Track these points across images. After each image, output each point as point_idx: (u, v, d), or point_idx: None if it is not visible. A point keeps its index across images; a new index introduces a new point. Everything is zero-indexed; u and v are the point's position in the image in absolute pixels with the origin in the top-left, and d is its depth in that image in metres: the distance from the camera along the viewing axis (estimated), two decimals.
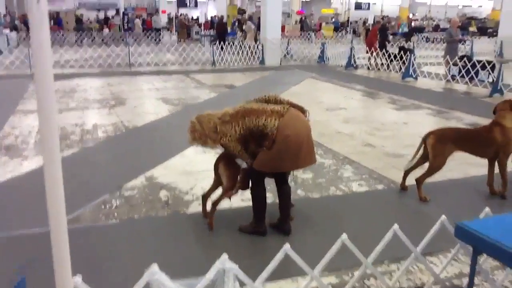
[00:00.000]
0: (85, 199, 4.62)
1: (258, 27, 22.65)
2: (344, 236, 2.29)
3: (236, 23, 27.06)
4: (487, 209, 2.76)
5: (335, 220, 4.20)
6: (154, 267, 1.92)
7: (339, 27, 36.28)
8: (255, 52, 17.21)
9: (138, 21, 29.70)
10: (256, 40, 19.44)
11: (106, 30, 28.03)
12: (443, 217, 2.57)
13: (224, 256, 2.03)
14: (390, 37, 19.66)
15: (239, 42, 18.70)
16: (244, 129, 3.70)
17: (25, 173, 5.43)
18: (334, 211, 4.42)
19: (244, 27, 21.02)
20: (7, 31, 23.46)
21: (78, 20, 28.99)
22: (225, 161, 3.98)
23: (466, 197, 4.79)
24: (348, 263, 3.25)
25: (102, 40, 25.64)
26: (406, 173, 4.93)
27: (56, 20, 29.43)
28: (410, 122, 8.15)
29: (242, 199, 4.67)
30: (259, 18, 25.42)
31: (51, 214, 1.58)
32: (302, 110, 3.97)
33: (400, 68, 14.60)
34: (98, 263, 3.46)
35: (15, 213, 4.34)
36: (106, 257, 3.54)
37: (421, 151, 4.84)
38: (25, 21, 27.60)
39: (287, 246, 2.15)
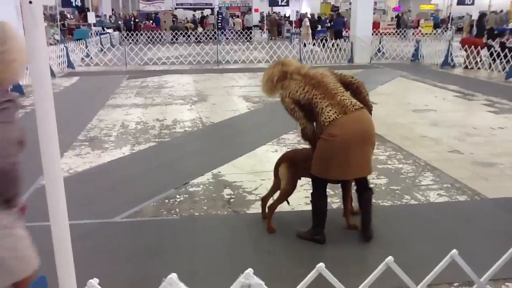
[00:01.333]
0: (152, 193, 4.69)
1: (343, 25, 22.19)
2: (390, 259, 1.99)
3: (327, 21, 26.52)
4: None
5: (402, 233, 3.82)
6: (173, 277, 1.79)
7: (439, 23, 34.11)
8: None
9: (238, 20, 30.32)
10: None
11: (200, 29, 29.00)
12: None
13: (249, 271, 1.85)
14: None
15: (328, 40, 18.27)
16: (305, 98, 3.45)
17: (99, 165, 5.65)
18: (404, 222, 4.03)
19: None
20: (110, 30, 25.18)
21: (174, 20, 30.34)
22: (287, 164, 3.79)
23: None
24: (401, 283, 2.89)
25: (196, 38, 26.55)
26: None
27: (155, 20, 31.06)
28: (508, 127, 7.31)
29: (306, 202, 4.45)
30: (331, 15, 24.85)
31: (51, 213, 1.51)
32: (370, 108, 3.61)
33: (504, 68, 13.31)
34: (147, 256, 3.45)
35: (78, 204, 4.50)
36: (154, 252, 3.52)
37: None
38: (125, 21, 29.44)
39: (321, 266, 1.91)
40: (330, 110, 3.33)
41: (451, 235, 3.77)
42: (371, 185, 4.66)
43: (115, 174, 5.35)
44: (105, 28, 25.41)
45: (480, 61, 14.44)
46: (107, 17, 31.40)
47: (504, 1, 40.19)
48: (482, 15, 16.58)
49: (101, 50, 19.05)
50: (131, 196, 4.65)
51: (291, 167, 3.77)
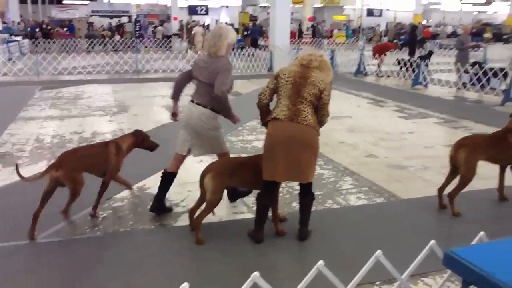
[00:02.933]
0: (73, 210, 4.45)
1: (259, 34, 22.74)
2: (321, 263, 2.09)
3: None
4: (482, 233, 2.53)
5: (328, 236, 4.00)
6: None
7: (351, 33, 36.02)
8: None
9: (161, 28, 29.71)
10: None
11: (117, 37, 28.15)
12: (432, 242, 2.36)
13: (185, 285, 1.85)
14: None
15: (243, 49, 18.59)
16: (280, 83, 3.72)
17: (13, 182, 5.30)
18: (327, 226, 4.20)
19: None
20: (19, 38, 23.66)
21: (89, 27, 29.22)
22: (212, 174, 3.80)
23: (470, 212, 4.52)
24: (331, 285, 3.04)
25: (114, 47, 25.75)
26: (441, 190, 4.60)
27: (69, 27, 29.72)
28: (416, 132, 7.90)
29: (234, 212, 4.50)
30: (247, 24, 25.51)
31: None
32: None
33: (410, 76, 14.33)
34: (73, 278, 3.31)
35: None
36: (81, 273, 3.38)
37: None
38: (31, 27, 27.85)
39: (255, 275, 1.96)
40: (283, 111, 3.62)
41: (372, 236, 4.00)
42: (296, 192, 4.83)
43: (31, 192, 5.01)
44: (13, 36, 23.82)
45: (391, 70, 15.44)
46: (16, 24, 29.51)
47: (407, 14, 43.38)
48: (414, 27, 17.53)
49: (10, 59, 17.85)
50: (51, 214, 4.40)
51: (217, 177, 3.79)
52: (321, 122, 3.80)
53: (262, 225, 3.84)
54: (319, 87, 3.64)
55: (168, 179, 4.47)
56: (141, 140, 4.60)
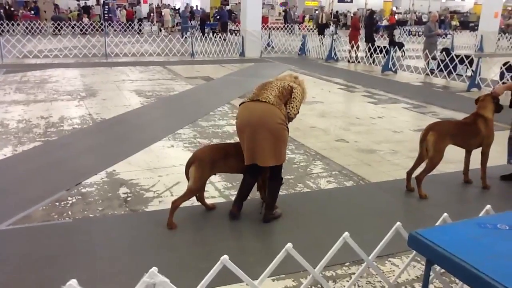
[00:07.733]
0: (40, 196, 4.39)
1: (229, 18, 22.66)
2: (289, 245, 2.12)
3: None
4: (445, 215, 2.61)
5: (298, 219, 4.04)
6: (72, 283, 1.72)
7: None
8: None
9: (123, 12, 29.24)
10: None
11: (85, 20, 27.41)
12: (398, 224, 2.42)
13: (154, 269, 1.84)
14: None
15: (214, 33, 18.39)
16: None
17: None
18: (297, 210, 4.24)
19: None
20: None
21: (56, 9, 28.34)
22: (197, 164, 3.81)
23: (436, 194, 4.64)
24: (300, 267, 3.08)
25: (81, 30, 25.07)
26: (409, 174, 4.71)
27: (33, 9, 28.74)
28: (385, 117, 8.02)
29: (206, 196, 4.49)
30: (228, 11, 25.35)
31: None
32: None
33: (380, 62, 14.50)
34: (41, 264, 3.24)
35: None
36: (49, 259, 3.32)
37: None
38: (4, 9, 26.90)
39: (225, 259, 1.97)
40: (250, 95, 3.86)
41: (341, 219, 4.07)
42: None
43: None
44: None
45: (361, 56, 15.56)
46: None
47: (378, 0, 43.72)
48: (372, 13, 17.70)
49: None
50: (16, 200, 4.31)
51: (201, 167, 3.80)
52: (288, 116, 3.83)
53: (240, 200, 3.97)
54: (290, 85, 3.88)
55: None
56: None
